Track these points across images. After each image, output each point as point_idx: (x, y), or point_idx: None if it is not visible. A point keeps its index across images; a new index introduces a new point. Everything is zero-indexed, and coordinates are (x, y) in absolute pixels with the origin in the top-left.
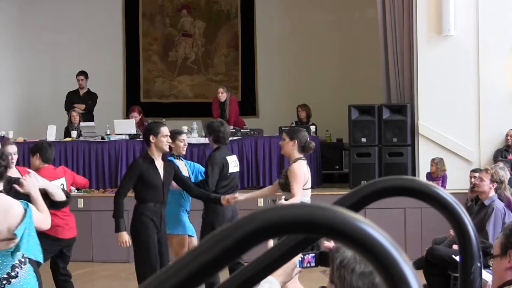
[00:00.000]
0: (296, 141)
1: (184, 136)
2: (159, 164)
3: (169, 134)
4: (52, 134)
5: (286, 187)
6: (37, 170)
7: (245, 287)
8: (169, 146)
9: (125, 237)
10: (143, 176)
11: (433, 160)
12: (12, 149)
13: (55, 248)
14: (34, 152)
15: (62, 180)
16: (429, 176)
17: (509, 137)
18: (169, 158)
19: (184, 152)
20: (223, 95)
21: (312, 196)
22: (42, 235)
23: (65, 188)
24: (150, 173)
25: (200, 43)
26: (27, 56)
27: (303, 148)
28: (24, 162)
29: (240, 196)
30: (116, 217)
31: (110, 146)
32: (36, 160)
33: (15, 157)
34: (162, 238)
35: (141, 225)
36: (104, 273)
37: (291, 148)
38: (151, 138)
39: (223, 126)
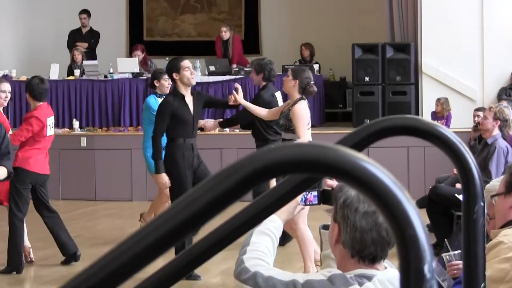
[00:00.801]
0: (298, 81)
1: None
2: (189, 99)
3: (190, 65)
4: (55, 72)
5: (289, 129)
6: (35, 109)
7: (249, 225)
8: (154, 84)
9: (165, 178)
10: (175, 113)
11: (438, 100)
12: (5, 87)
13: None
14: (26, 90)
15: (52, 118)
16: (434, 115)
17: None
18: (148, 98)
19: (167, 91)
20: (226, 34)
21: (315, 135)
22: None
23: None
24: (180, 110)
25: None
26: None
27: (303, 90)
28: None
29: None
30: (155, 158)
31: (113, 85)
32: (28, 97)
33: (9, 95)
34: (198, 170)
35: (172, 163)
36: (107, 212)
37: (291, 86)
38: (174, 75)
39: (271, 64)
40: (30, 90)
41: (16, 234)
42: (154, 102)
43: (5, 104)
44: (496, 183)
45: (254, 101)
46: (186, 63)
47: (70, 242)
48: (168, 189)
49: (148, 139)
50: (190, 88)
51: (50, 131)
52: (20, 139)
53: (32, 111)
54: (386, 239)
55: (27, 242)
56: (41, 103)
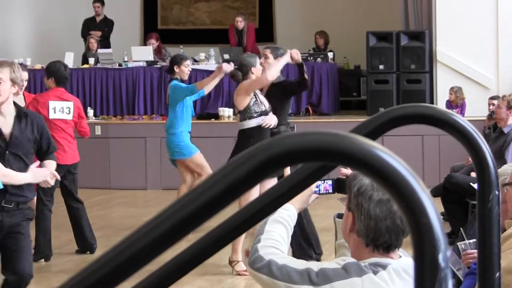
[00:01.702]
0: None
1: (188, 62)
2: None
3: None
4: (69, 61)
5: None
6: (49, 89)
7: (264, 214)
8: (173, 69)
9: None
10: None
11: (452, 88)
12: (24, 76)
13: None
14: (49, 74)
15: (70, 104)
16: (448, 104)
17: None
18: (173, 82)
19: (186, 77)
20: (241, 24)
21: (329, 124)
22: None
23: (71, 112)
24: None
25: None
26: None
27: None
28: (42, 88)
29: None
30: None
31: (127, 73)
32: (51, 82)
33: (25, 84)
34: None
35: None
36: (121, 200)
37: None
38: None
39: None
40: (53, 73)
41: (46, 223)
42: (180, 82)
43: (21, 92)
44: (508, 167)
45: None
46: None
47: (90, 235)
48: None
49: (175, 123)
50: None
51: (54, 114)
52: None
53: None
54: (400, 227)
55: None
56: (59, 88)
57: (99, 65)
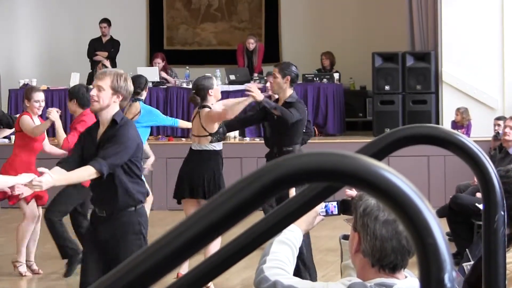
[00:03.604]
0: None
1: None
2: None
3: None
4: (75, 81)
5: None
6: (77, 115)
7: (269, 235)
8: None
9: None
10: None
11: (458, 109)
12: (39, 96)
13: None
14: (71, 97)
15: None
16: (454, 124)
17: None
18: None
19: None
20: (252, 45)
21: (335, 144)
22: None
23: None
24: None
25: None
26: (50, 5)
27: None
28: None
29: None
30: None
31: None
32: (73, 106)
33: (43, 104)
34: None
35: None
36: None
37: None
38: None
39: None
40: (77, 97)
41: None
42: None
43: (39, 113)
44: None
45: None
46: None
47: None
48: None
49: None
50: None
51: None
52: (70, 146)
53: (79, 116)
54: (406, 247)
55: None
56: (85, 109)
57: None
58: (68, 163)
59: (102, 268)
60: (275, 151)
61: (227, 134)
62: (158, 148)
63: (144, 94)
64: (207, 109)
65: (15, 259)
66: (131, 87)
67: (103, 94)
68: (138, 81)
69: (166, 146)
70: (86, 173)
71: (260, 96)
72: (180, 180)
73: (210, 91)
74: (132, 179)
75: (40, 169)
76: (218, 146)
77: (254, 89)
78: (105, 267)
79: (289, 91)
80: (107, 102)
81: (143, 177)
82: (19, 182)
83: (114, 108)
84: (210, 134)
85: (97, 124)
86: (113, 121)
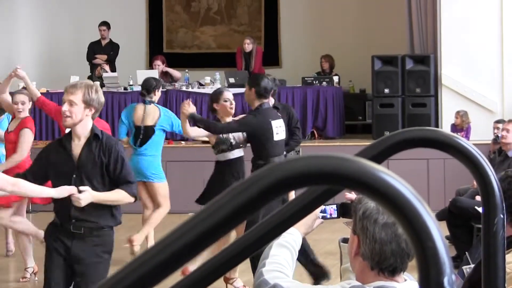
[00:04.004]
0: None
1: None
2: None
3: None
4: None
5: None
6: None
7: (269, 238)
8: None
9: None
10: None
11: (457, 112)
12: (18, 98)
13: None
14: None
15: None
16: (454, 127)
17: None
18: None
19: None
20: (248, 46)
21: (335, 147)
22: None
23: None
24: None
25: None
26: (50, 6)
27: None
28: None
29: None
30: None
31: (133, 97)
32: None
33: (22, 107)
34: None
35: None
36: (127, 224)
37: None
38: (215, 105)
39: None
40: None
41: None
42: None
43: (21, 115)
44: None
45: None
46: (227, 94)
47: None
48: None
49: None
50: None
51: None
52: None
53: None
54: (405, 250)
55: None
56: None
57: (104, 89)
58: (30, 175)
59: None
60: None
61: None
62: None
63: (153, 97)
64: None
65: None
66: (102, 99)
67: (75, 109)
68: (148, 83)
69: (165, 149)
70: (121, 196)
71: (190, 110)
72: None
73: (215, 104)
74: None
75: (82, 188)
76: (222, 157)
77: (184, 105)
78: (68, 281)
79: (257, 103)
80: (80, 116)
81: None
82: (59, 195)
83: (89, 122)
84: (213, 147)
85: (68, 136)
86: (95, 136)
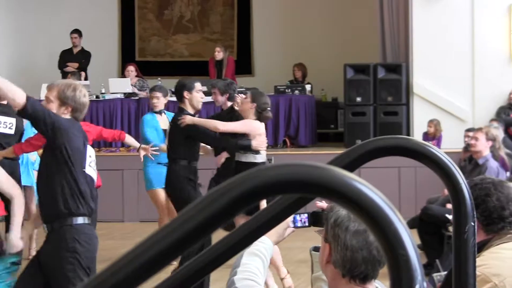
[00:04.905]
0: (255, 105)
1: (156, 94)
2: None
3: (202, 89)
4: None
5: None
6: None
7: (240, 247)
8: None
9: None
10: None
11: (431, 121)
12: None
13: None
14: None
15: None
16: (425, 136)
17: None
18: (150, 114)
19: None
20: (219, 54)
21: (307, 156)
22: None
23: None
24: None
25: (196, 1)
26: (21, 14)
27: (259, 115)
28: None
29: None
30: None
31: (105, 105)
32: None
33: None
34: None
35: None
36: (99, 232)
37: (248, 109)
38: (185, 94)
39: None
40: None
41: None
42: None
43: None
44: None
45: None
46: (199, 85)
47: None
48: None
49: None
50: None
51: None
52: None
53: None
54: (377, 257)
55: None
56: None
57: None
58: None
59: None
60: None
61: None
62: (130, 159)
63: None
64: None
65: None
66: (81, 98)
67: (50, 106)
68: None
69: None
70: (16, 89)
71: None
72: None
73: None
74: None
75: None
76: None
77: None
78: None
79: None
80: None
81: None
82: None
83: None
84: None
85: None
86: None
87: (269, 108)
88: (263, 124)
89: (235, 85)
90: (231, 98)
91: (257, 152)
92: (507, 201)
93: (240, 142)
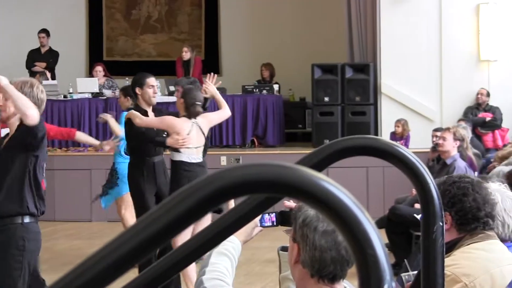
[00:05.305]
0: (183, 100)
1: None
2: (151, 116)
3: (155, 84)
4: None
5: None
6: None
7: (209, 246)
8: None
9: None
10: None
11: (398, 121)
12: None
13: None
14: None
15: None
16: (393, 136)
17: (479, 96)
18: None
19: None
20: (186, 54)
21: (275, 155)
22: None
23: None
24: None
25: (164, 1)
26: None
27: (188, 110)
28: None
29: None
30: None
31: (72, 105)
32: None
33: None
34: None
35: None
36: (66, 232)
37: (179, 105)
38: (137, 90)
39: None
40: None
41: None
42: None
43: None
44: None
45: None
46: (151, 80)
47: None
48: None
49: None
50: (151, 106)
51: None
52: None
53: None
54: (345, 257)
55: None
56: None
57: None
58: None
59: None
60: None
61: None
62: (97, 159)
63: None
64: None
65: None
66: (39, 95)
67: (8, 102)
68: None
69: (105, 157)
70: (30, 104)
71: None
72: None
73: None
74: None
75: None
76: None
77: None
78: None
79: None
80: (12, 110)
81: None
82: None
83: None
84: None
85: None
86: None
87: (197, 103)
88: (189, 122)
89: (199, 83)
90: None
91: (176, 150)
92: (484, 202)
93: (157, 139)
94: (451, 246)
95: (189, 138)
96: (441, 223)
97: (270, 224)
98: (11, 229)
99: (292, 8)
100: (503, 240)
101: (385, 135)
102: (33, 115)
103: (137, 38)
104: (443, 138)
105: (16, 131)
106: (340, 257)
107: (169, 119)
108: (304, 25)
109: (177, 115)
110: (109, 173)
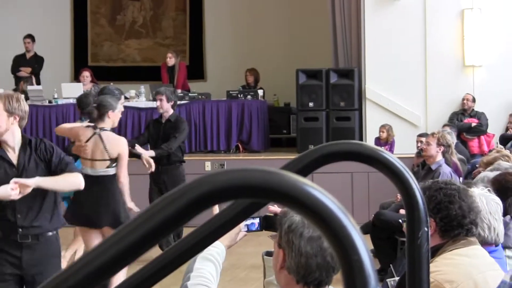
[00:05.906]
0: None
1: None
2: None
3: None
4: None
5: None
6: None
7: (194, 252)
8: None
9: None
10: None
11: (383, 126)
12: None
13: None
14: None
15: None
16: (378, 141)
17: (465, 101)
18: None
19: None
20: (171, 60)
21: (260, 161)
22: None
23: None
24: None
25: (148, 7)
26: None
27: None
28: None
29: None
30: None
31: (57, 110)
32: None
33: None
34: None
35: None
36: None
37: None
38: (110, 113)
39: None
40: None
41: None
42: None
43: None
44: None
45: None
46: (122, 100)
47: None
48: None
49: None
50: None
51: None
52: None
53: None
54: (331, 264)
55: None
56: None
57: (29, 102)
58: None
59: None
60: None
61: None
62: None
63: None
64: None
65: None
66: (25, 107)
67: None
68: (84, 101)
69: None
70: (69, 179)
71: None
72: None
73: (110, 112)
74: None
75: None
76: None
77: None
78: None
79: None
80: (5, 126)
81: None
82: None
83: (16, 130)
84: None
85: (0, 150)
86: (28, 141)
87: (89, 108)
88: (88, 132)
89: (177, 92)
90: (174, 106)
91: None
92: (469, 210)
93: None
94: (433, 252)
95: (86, 146)
96: (426, 229)
97: (255, 228)
98: (48, 241)
99: (277, 13)
100: (489, 244)
101: (369, 141)
102: (80, 185)
103: (122, 44)
104: (427, 143)
105: (27, 152)
106: (325, 263)
107: (73, 128)
108: (289, 30)
109: (157, 122)
110: None
